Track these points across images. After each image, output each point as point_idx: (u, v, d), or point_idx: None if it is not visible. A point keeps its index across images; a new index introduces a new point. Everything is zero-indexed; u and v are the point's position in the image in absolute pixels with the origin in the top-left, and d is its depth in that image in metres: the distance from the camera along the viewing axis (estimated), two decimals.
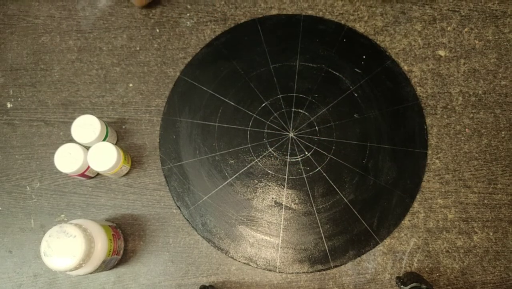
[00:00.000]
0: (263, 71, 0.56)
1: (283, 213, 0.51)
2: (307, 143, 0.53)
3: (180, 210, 0.52)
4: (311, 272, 0.50)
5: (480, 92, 0.55)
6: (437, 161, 0.53)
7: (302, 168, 0.52)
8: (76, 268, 0.42)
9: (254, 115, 0.54)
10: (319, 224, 0.51)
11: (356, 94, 0.55)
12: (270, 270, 0.50)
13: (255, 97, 0.55)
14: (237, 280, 0.50)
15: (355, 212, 0.51)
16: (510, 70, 0.56)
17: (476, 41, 0.57)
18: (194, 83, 0.55)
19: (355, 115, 0.54)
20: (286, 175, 0.52)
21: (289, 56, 0.56)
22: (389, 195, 0.52)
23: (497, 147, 0.53)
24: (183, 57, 0.56)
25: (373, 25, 0.57)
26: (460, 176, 0.52)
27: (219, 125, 0.54)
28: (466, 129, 0.53)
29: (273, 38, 0.57)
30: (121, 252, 0.49)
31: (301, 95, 0.55)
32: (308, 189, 0.52)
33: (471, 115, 0.54)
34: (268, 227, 0.51)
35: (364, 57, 0.56)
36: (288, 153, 0.53)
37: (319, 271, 0.50)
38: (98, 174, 0.52)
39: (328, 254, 0.50)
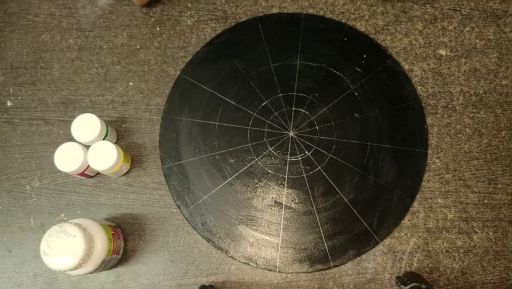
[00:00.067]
0: (264, 70, 0.55)
1: (283, 212, 0.51)
2: (307, 142, 0.53)
3: (180, 209, 0.51)
4: (311, 272, 0.50)
5: (480, 91, 0.55)
6: (437, 161, 0.53)
7: (302, 167, 0.52)
8: (75, 268, 0.42)
9: (255, 114, 0.54)
10: (319, 223, 0.51)
11: (356, 94, 0.54)
12: (270, 270, 0.50)
13: (256, 96, 0.54)
14: (237, 280, 0.50)
15: (355, 212, 0.51)
16: (511, 70, 0.56)
17: (477, 41, 0.57)
18: (194, 82, 0.55)
19: (355, 115, 0.54)
20: (286, 174, 0.52)
21: (289, 55, 0.56)
22: (389, 195, 0.51)
23: (497, 147, 0.53)
24: (184, 56, 0.56)
25: (374, 24, 0.57)
26: (460, 175, 0.52)
27: (219, 124, 0.54)
28: (467, 129, 0.53)
29: (273, 37, 0.57)
30: (121, 251, 0.49)
31: (301, 94, 0.54)
32: (308, 189, 0.51)
33: (472, 114, 0.54)
34: (268, 227, 0.51)
35: (364, 56, 0.56)
36: (288, 152, 0.53)
37: (319, 270, 0.50)
38: (98, 173, 0.52)
39: (328, 253, 0.50)
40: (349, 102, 0.54)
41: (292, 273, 0.50)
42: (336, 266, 0.50)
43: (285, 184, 0.52)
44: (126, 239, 0.51)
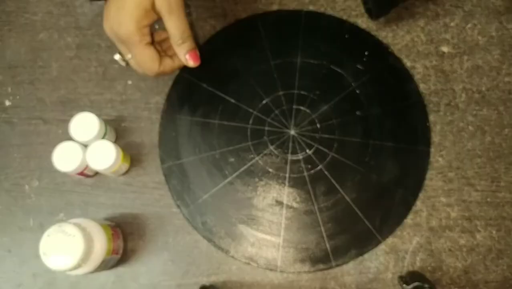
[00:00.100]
0: (264, 68, 0.55)
1: (284, 211, 0.51)
2: (308, 141, 0.53)
3: (180, 209, 0.51)
4: (312, 271, 0.49)
5: (483, 89, 0.55)
6: (440, 159, 0.52)
7: (303, 166, 0.52)
8: (75, 268, 0.42)
9: (255, 112, 0.54)
10: (320, 222, 0.50)
11: (358, 91, 0.54)
12: (271, 270, 0.49)
13: (256, 95, 0.54)
14: (237, 280, 0.49)
15: (357, 211, 0.51)
16: None
17: (480, 37, 0.56)
18: (193, 80, 0.55)
19: (357, 113, 0.53)
20: (287, 173, 0.52)
21: (290, 53, 0.55)
22: (391, 193, 0.51)
23: (500, 144, 0.53)
24: None
25: (376, 21, 0.56)
26: (463, 173, 0.52)
27: (219, 123, 0.53)
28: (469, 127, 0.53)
29: (274, 34, 0.56)
30: (121, 251, 0.49)
31: (302, 92, 0.54)
32: (310, 188, 0.51)
33: (475, 112, 0.54)
34: (269, 226, 0.50)
35: (366, 53, 0.55)
36: (289, 151, 0.52)
37: (320, 270, 0.49)
38: (97, 173, 0.52)
39: (330, 253, 0.49)
40: (350, 100, 0.54)
41: (293, 272, 0.49)
42: (338, 265, 0.49)
43: (286, 183, 0.51)
44: (126, 239, 0.50)
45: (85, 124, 0.49)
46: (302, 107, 0.54)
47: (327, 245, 0.50)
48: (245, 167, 0.52)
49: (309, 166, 0.52)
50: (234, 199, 0.51)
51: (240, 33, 0.57)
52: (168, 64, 0.46)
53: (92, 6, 0.58)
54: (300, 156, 0.52)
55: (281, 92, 0.54)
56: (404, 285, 0.46)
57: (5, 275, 0.50)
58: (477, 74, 0.55)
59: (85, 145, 0.49)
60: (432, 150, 0.53)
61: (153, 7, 0.42)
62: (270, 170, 0.52)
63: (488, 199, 0.51)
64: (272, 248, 0.50)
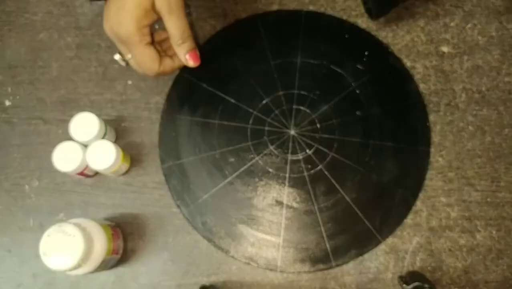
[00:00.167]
0: (264, 68, 0.55)
1: (284, 211, 0.51)
2: (308, 141, 0.53)
3: (180, 209, 0.51)
4: (312, 272, 0.49)
5: (483, 89, 0.55)
6: (440, 159, 0.52)
7: (303, 166, 0.52)
8: (75, 268, 0.42)
9: (255, 112, 0.54)
10: (320, 223, 0.50)
11: (358, 91, 0.54)
12: (271, 270, 0.49)
13: (256, 94, 0.54)
14: (237, 280, 0.49)
15: (357, 211, 0.51)
16: None
17: (480, 37, 0.56)
18: (193, 80, 0.55)
19: (357, 113, 0.53)
20: (287, 173, 0.52)
21: (290, 53, 0.55)
22: (391, 193, 0.51)
23: (500, 144, 0.53)
24: None
25: (376, 21, 0.56)
26: (463, 173, 0.52)
27: (219, 123, 0.53)
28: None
29: (273, 34, 0.56)
30: (121, 251, 0.49)
31: (302, 92, 0.54)
32: (310, 188, 0.51)
33: (475, 112, 0.54)
34: (269, 226, 0.50)
35: (366, 53, 0.55)
36: (289, 151, 0.52)
37: (320, 270, 0.49)
38: (97, 173, 0.52)
39: (330, 253, 0.49)
40: (350, 100, 0.54)
41: (293, 272, 0.49)
42: (338, 265, 0.49)
43: (286, 183, 0.51)
44: (126, 239, 0.50)
45: (85, 124, 0.49)
46: (302, 107, 0.54)
47: (327, 245, 0.50)
48: (245, 167, 0.52)
49: (309, 166, 0.52)
50: (234, 199, 0.51)
51: (240, 33, 0.57)
52: (168, 64, 0.46)
53: (92, 6, 0.58)
54: (300, 156, 0.52)
55: (281, 92, 0.54)
56: (404, 285, 0.46)
57: (5, 275, 0.50)
58: (477, 74, 0.55)
59: (85, 145, 0.49)
60: (432, 150, 0.53)
61: (153, 7, 0.42)
62: (270, 170, 0.52)
63: (488, 199, 0.51)
64: (272, 248, 0.50)
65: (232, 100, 0.54)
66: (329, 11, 0.57)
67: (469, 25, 0.57)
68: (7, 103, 0.55)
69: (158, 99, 0.55)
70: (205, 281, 0.49)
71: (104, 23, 0.43)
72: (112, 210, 0.51)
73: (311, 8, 0.57)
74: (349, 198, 0.51)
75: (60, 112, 0.54)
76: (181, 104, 0.54)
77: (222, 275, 0.50)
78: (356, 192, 0.51)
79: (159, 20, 0.44)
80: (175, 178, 0.52)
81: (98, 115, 0.49)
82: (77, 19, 0.57)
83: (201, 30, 0.56)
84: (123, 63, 0.47)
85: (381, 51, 0.56)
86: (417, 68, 0.55)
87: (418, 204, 0.51)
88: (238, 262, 0.50)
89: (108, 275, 0.49)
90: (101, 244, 0.44)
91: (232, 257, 0.50)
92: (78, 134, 0.49)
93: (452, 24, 0.57)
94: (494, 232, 0.50)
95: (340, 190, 0.51)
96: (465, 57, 0.55)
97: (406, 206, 0.51)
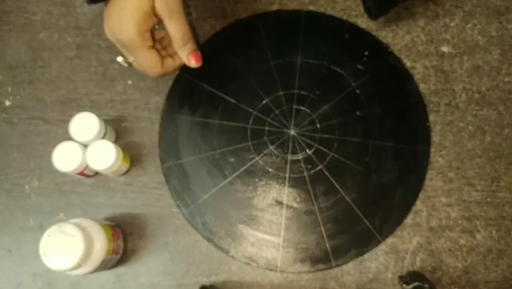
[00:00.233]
0: (264, 67, 0.55)
1: (284, 212, 0.51)
2: (308, 141, 0.53)
3: (180, 209, 0.51)
4: (312, 271, 0.49)
5: (483, 89, 0.55)
6: (440, 159, 0.52)
7: (303, 166, 0.52)
8: (75, 268, 0.42)
9: (255, 112, 0.54)
10: (320, 223, 0.50)
11: (358, 91, 0.54)
12: (271, 270, 0.49)
13: (256, 94, 0.54)
14: (237, 280, 0.49)
15: (357, 211, 0.51)
16: None
17: (480, 37, 0.56)
18: (193, 80, 0.55)
19: (357, 113, 0.53)
20: (287, 173, 0.52)
21: (290, 53, 0.55)
22: (391, 193, 0.51)
23: (500, 144, 0.53)
24: None
25: (376, 21, 0.56)
26: (463, 173, 0.52)
27: (219, 123, 0.53)
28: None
29: (274, 34, 0.56)
30: (121, 251, 0.49)
31: (302, 92, 0.54)
32: (310, 188, 0.51)
33: (475, 112, 0.54)
34: (269, 226, 0.50)
35: (366, 53, 0.55)
36: (289, 151, 0.52)
37: (320, 270, 0.49)
38: (97, 173, 0.52)
39: (330, 253, 0.49)
40: (350, 100, 0.54)
41: (293, 272, 0.49)
42: (338, 265, 0.49)
43: (286, 183, 0.51)
44: (126, 239, 0.50)
45: (85, 124, 0.49)
46: (302, 107, 0.54)
47: (327, 245, 0.50)
48: (245, 167, 0.52)
49: (309, 166, 0.52)
50: (234, 199, 0.51)
51: (240, 33, 0.57)
52: (170, 64, 0.47)
53: (92, 6, 0.58)
54: (300, 156, 0.52)
55: (281, 92, 0.54)
56: (404, 285, 0.46)
57: (5, 275, 0.50)
58: (477, 74, 0.55)
59: (85, 145, 0.49)
60: (432, 150, 0.53)
61: (153, 11, 0.42)
62: (270, 170, 0.52)
63: (488, 199, 0.51)
64: (272, 248, 0.50)
65: (232, 100, 0.54)
66: (329, 11, 0.57)
67: (469, 25, 0.57)
68: (7, 103, 0.55)
69: (158, 99, 0.55)
70: (205, 281, 0.49)
71: (105, 27, 0.43)
72: (112, 210, 0.51)
73: (311, 8, 0.57)
74: (349, 198, 0.51)
75: (60, 112, 0.54)
76: (181, 104, 0.54)
77: (222, 275, 0.50)
78: (356, 192, 0.51)
79: (159, 23, 0.44)
80: (175, 178, 0.52)
81: (98, 115, 0.49)
82: (77, 19, 0.57)
83: (201, 30, 0.56)
84: (126, 65, 0.48)
85: (381, 51, 0.56)
86: (417, 68, 0.55)
87: (418, 204, 0.51)
88: (238, 262, 0.50)
89: (108, 275, 0.49)
90: (101, 244, 0.44)
91: (232, 257, 0.50)
92: (78, 134, 0.49)
93: (452, 24, 0.57)
94: (494, 232, 0.50)
95: (340, 190, 0.51)
96: (465, 57, 0.55)
97: (406, 206, 0.51)
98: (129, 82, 0.55)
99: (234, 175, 0.52)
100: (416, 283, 0.45)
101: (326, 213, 0.50)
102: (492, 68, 0.55)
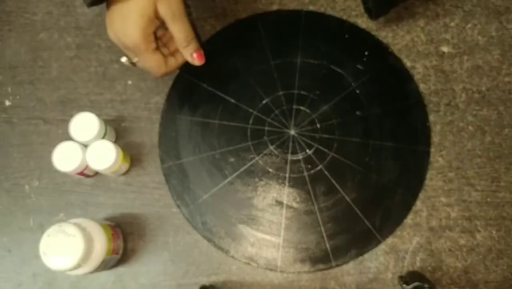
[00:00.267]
0: (264, 67, 0.55)
1: (284, 212, 0.51)
2: (308, 141, 0.53)
3: (180, 209, 0.51)
4: (312, 271, 0.49)
5: (483, 89, 0.55)
6: (440, 159, 0.52)
7: (303, 166, 0.52)
8: (75, 268, 0.42)
9: (255, 112, 0.54)
10: (320, 223, 0.50)
11: (358, 91, 0.54)
12: (271, 270, 0.49)
13: (256, 94, 0.54)
14: (237, 280, 0.49)
15: (357, 211, 0.51)
16: None
17: (480, 37, 0.56)
18: (193, 80, 0.55)
19: (357, 113, 0.53)
20: (287, 173, 0.52)
21: (290, 53, 0.55)
22: (391, 193, 0.51)
23: (500, 144, 0.53)
24: None
25: (376, 21, 0.56)
26: (463, 173, 0.52)
27: (219, 123, 0.53)
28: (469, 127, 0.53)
29: (274, 34, 0.56)
30: (121, 251, 0.49)
31: (302, 92, 0.54)
32: (310, 188, 0.51)
33: (475, 112, 0.54)
34: (269, 226, 0.50)
35: (366, 53, 0.55)
36: (289, 151, 0.52)
37: (320, 270, 0.49)
38: (97, 173, 0.52)
39: (330, 253, 0.49)
40: (350, 100, 0.54)
41: (293, 272, 0.49)
42: (338, 265, 0.49)
43: (286, 183, 0.51)
44: (126, 239, 0.50)
45: (85, 124, 0.49)
46: (302, 107, 0.54)
47: (327, 245, 0.50)
48: (245, 167, 0.52)
49: (309, 166, 0.52)
50: (234, 199, 0.51)
51: (240, 33, 0.57)
52: (173, 63, 0.47)
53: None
54: (300, 156, 0.52)
55: (281, 92, 0.54)
56: (404, 285, 0.46)
57: (5, 275, 0.50)
58: (477, 74, 0.55)
59: (85, 145, 0.49)
60: (432, 150, 0.53)
61: (156, 14, 0.42)
62: (270, 170, 0.52)
63: (488, 199, 0.51)
64: (272, 248, 0.50)
65: (232, 100, 0.54)
66: (329, 11, 0.57)
67: (469, 25, 0.57)
68: (7, 103, 0.55)
69: (158, 99, 0.55)
70: (205, 281, 0.49)
71: (108, 30, 0.44)
72: (112, 210, 0.51)
73: (311, 8, 0.57)
74: (349, 198, 0.51)
75: (60, 112, 0.54)
76: (181, 104, 0.54)
77: (222, 275, 0.50)
78: (356, 192, 0.51)
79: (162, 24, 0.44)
80: (175, 178, 0.52)
81: (98, 115, 0.49)
82: (77, 19, 0.57)
83: (201, 30, 0.56)
84: (130, 65, 0.48)
85: (381, 51, 0.56)
86: (417, 68, 0.55)
87: (418, 204, 0.51)
88: (238, 262, 0.50)
89: (108, 275, 0.49)
90: (101, 244, 0.44)
91: (232, 257, 0.50)
92: (78, 134, 0.49)
93: (452, 24, 0.57)
94: (494, 232, 0.50)
95: (340, 190, 0.51)
96: (465, 57, 0.55)
97: (406, 206, 0.51)
98: (129, 82, 0.55)
99: (234, 175, 0.52)
100: (416, 283, 0.45)
101: (326, 213, 0.50)
102: (492, 68, 0.55)
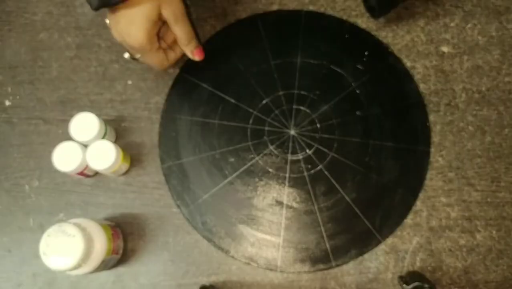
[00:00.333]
0: (264, 67, 0.55)
1: (284, 212, 0.51)
2: (308, 141, 0.53)
3: (180, 209, 0.51)
4: (312, 271, 0.49)
5: (483, 89, 0.55)
6: (440, 159, 0.52)
7: (303, 166, 0.52)
8: (75, 268, 0.42)
9: (255, 112, 0.54)
10: (320, 223, 0.50)
11: (358, 91, 0.54)
12: (271, 270, 0.49)
13: (256, 94, 0.54)
14: (237, 280, 0.49)
15: (357, 211, 0.51)
16: None
17: (480, 37, 0.56)
18: (193, 80, 0.55)
19: (357, 113, 0.53)
20: (287, 173, 0.52)
21: (290, 53, 0.55)
22: (391, 193, 0.51)
23: (500, 144, 0.53)
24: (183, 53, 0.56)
25: (376, 21, 0.56)
26: (463, 173, 0.52)
27: (219, 123, 0.53)
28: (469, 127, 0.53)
29: (274, 34, 0.56)
30: (121, 251, 0.49)
31: (302, 92, 0.54)
32: (310, 188, 0.51)
33: (475, 112, 0.54)
34: (269, 226, 0.50)
35: (366, 53, 0.55)
36: (289, 151, 0.52)
37: (320, 270, 0.49)
38: (97, 173, 0.52)
39: (330, 253, 0.49)
40: (350, 100, 0.54)
41: (293, 272, 0.49)
42: (338, 265, 0.49)
43: (286, 183, 0.51)
44: (126, 239, 0.50)
45: (85, 124, 0.49)
46: (302, 107, 0.54)
47: (327, 245, 0.50)
48: (245, 167, 0.52)
49: (309, 166, 0.52)
50: (234, 199, 0.51)
51: (240, 33, 0.57)
52: (173, 56, 0.50)
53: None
54: (300, 156, 0.52)
55: (281, 92, 0.54)
56: (404, 285, 0.46)
57: (5, 275, 0.50)
58: (477, 74, 0.55)
59: (85, 145, 0.49)
60: (432, 150, 0.53)
61: (159, 17, 0.44)
62: (270, 170, 0.52)
63: (488, 199, 0.51)
64: (272, 248, 0.50)
65: (232, 100, 0.54)
66: (329, 11, 0.57)
67: (469, 25, 0.57)
68: (7, 103, 0.55)
69: (158, 99, 0.55)
70: (205, 281, 0.49)
71: (113, 31, 0.45)
72: (112, 210, 0.51)
73: (311, 8, 0.57)
74: (349, 198, 0.51)
75: (60, 112, 0.54)
76: (181, 104, 0.54)
77: (222, 275, 0.50)
78: (356, 192, 0.51)
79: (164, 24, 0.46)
80: (175, 178, 0.52)
81: (98, 115, 0.49)
82: (77, 19, 0.57)
83: (201, 30, 0.56)
84: (132, 60, 0.49)
85: (381, 51, 0.56)
86: (417, 68, 0.55)
87: (418, 204, 0.51)
88: (238, 262, 0.50)
89: (108, 275, 0.49)
90: (101, 244, 0.44)
91: (232, 257, 0.50)
92: (78, 134, 0.49)
93: (452, 24, 0.57)
94: (494, 232, 0.50)
95: (340, 190, 0.51)
96: (465, 57, 0.55)
97: (406, 206, 0.51)
98: (129, 82, 0.55)
99: (234, 175, 0.52)
100: (416, 283, 0.45)
101: (326, 213, 0.50)
102: (492, 68, 0.55)
